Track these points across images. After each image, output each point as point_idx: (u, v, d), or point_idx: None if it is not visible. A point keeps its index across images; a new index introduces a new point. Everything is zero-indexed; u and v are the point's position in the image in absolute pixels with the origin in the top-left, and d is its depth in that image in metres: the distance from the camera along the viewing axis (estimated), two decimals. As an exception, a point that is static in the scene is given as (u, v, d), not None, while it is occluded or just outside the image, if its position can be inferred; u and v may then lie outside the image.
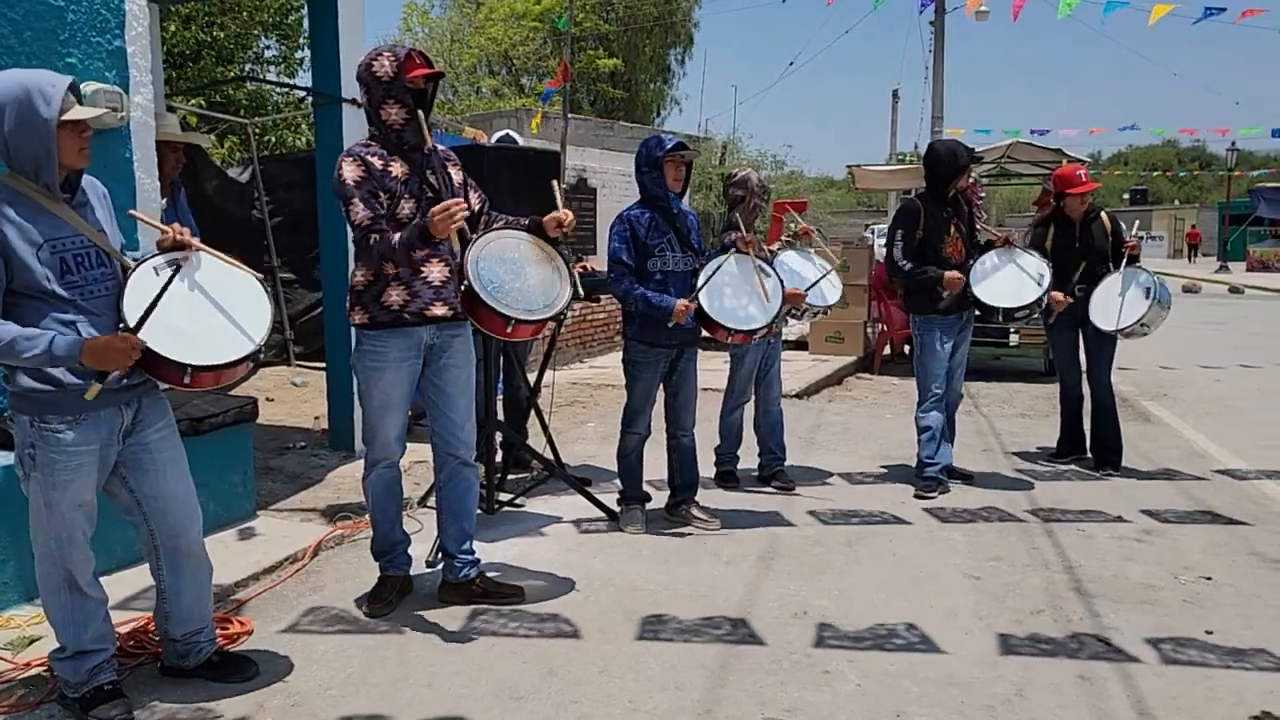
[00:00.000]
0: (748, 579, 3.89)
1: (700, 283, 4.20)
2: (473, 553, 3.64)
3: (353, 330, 3.48)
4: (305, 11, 13.35)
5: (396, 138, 3.35)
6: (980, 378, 8.67)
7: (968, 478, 5.35)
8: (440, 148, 3.53)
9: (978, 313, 5.13)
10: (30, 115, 2.41)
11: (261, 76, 12.93)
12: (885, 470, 5.63)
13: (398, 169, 3.34)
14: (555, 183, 3.86)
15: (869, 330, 10.07)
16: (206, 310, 2.68)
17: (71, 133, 2.49)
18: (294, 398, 7.32)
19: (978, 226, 5.38)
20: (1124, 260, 5.32)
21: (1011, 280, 5.04)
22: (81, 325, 2.52)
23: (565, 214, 3.46)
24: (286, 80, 12.99)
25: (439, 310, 3.37)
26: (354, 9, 5.62)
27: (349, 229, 3.33)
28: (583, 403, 7.63)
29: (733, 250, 4.46)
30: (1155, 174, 46.26)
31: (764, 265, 4.53)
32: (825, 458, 5.94)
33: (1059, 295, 5.10)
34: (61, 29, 3.80)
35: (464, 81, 24.59)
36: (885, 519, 4.70)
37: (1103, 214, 5.54)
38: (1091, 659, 3.13)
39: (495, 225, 3.52)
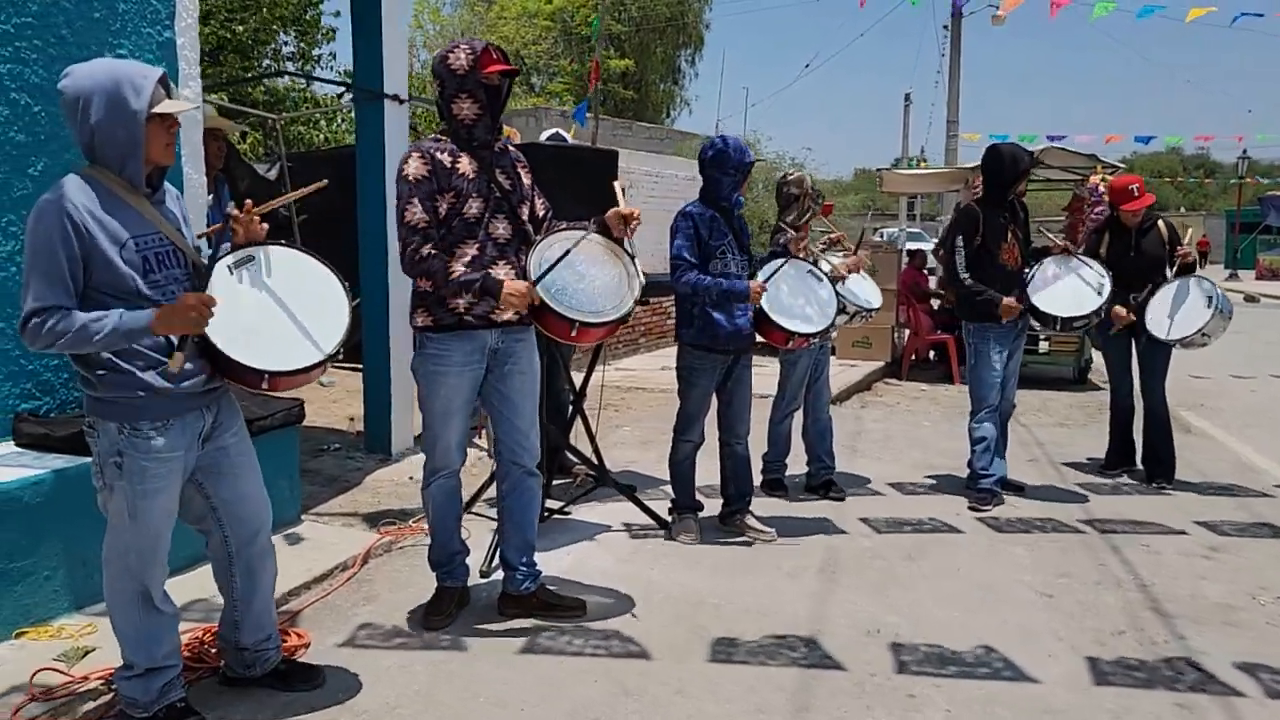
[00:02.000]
0: (812, 592, 3.78)
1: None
2: (534, 564, 3.52)
3: (413, 334, 3.36)
4: (323, 7, 13.31)
5: (467, 134, 3.23)
6: (1012, 385, 8.52)
7: (1019, 489, 5.23)
8: (511, 148, 3.42)
9: (1035, 322, 5.03)
10: (120, 106, 2.30)
11: (291, 71, 12.79)
12: (933, 480, 5.52)
13: (466, 165, 3.22)
14: (616, 183, 3.75)
15: (896, 335, 9.94)
16: (284, 311, 2.56)
17: (159, 126, 2.38)
18: (322, 398, 7.20)
19: (1036, 233, 5.26)
20: (1175, 269, 5.23)
21: (1070, 289, 4.94)
22: None
23: (630, 209, 3.36)
24: (321, 77, 12.85)
25: (506, 314, 3.25)
26: (397, 3, 5.50)
27: (398, 228, 3.17)
28: (615, 406, 7.50)
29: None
30: (1164, 180, 45.95)
31: (816, 269, 4.45)
32: (870, 466, 5.82)
33: (1122, 311, 5.01)
34: (113, 19, 3.69)
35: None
36: (943, 530, 4.58)
37: (1160, 222, 5.42)
38: (1190, 690, 3.00)
39: (559, 228, 3.40)
